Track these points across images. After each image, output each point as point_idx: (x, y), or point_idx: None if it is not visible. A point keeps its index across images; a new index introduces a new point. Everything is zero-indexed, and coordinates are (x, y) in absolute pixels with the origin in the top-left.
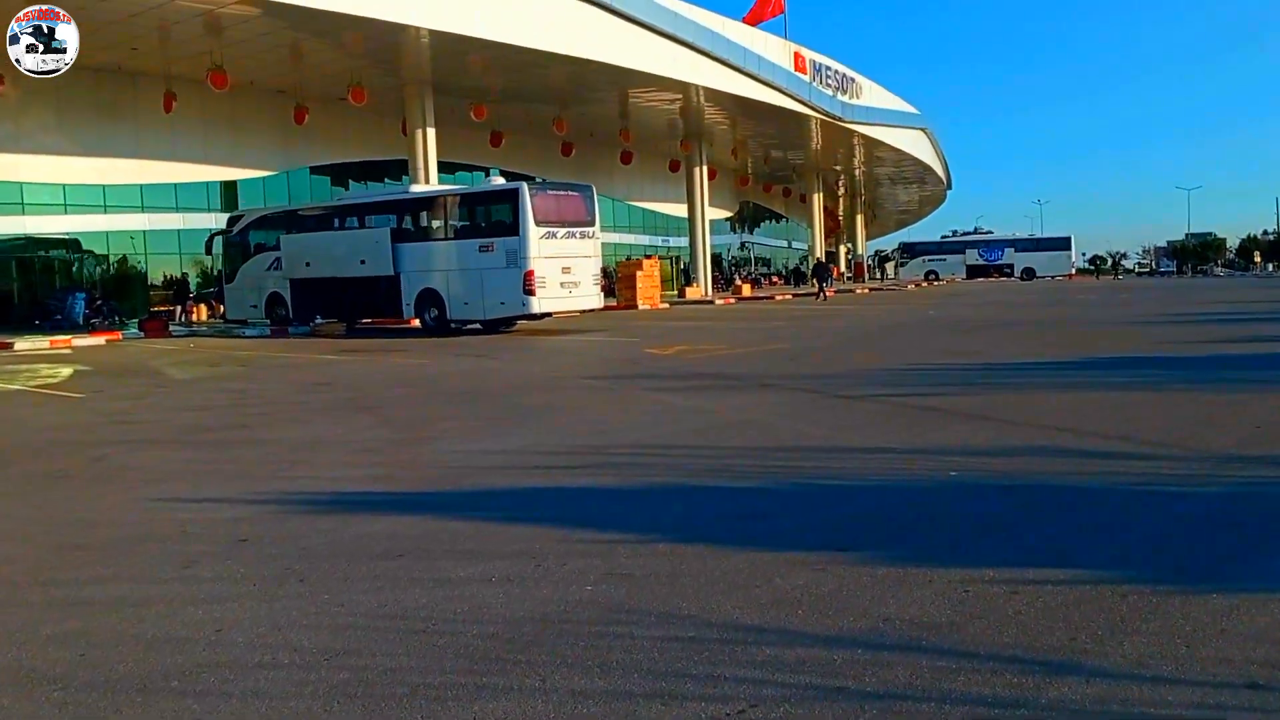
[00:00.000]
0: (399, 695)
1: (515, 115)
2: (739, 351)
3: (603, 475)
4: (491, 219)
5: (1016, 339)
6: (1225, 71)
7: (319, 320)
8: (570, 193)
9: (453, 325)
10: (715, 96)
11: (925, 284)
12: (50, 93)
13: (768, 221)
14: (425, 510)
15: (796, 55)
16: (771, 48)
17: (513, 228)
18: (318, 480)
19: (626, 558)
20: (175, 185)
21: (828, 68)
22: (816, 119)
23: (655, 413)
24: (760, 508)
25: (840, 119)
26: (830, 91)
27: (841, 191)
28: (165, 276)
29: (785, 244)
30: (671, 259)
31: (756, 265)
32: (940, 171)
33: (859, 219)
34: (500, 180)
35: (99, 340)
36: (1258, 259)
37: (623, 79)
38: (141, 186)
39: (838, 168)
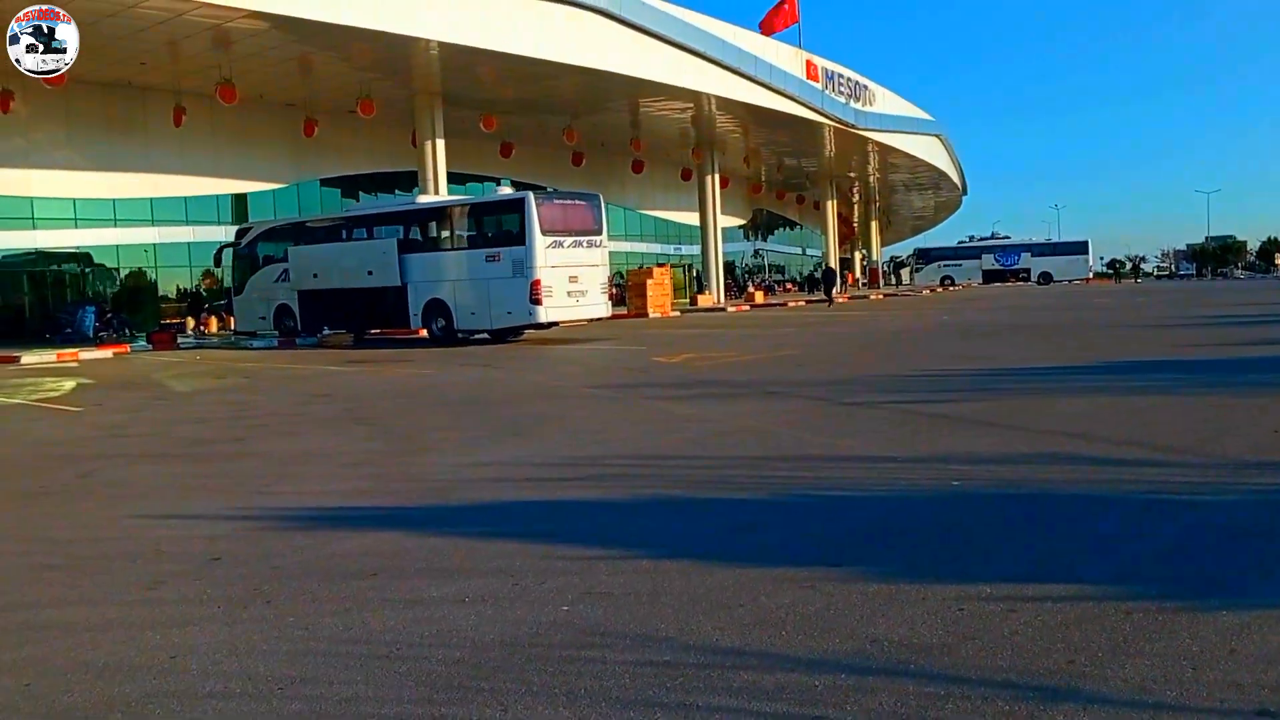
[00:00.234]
0: None
1: (526, 126)
2: (746, 359)
3: (594, 488)
4: (498, 229)
5: (1029, 344)
6: (1244, 74)
7: (327, 331)
8: (577, 202)
9: (460, 335)
10: (727, 105)
11: (940, 289)
12: (60, 108)
13: (782, 229)
14: (407, 526)
15: (808, 63)
16: (783, 56)
17: (519, 237)
18: (303, 495)
19: (607, 575)
20: (185, 199)
21: (840, 75)
22: (829, 126)
23: (655, 422)
24: (753, 520)
25: (853, 126)
26: (843, 99)
27: (856, 198)
28: (178, 289)
29: (799, 251)
30: (684, 267)
31: (770, 273)
32: (955, 177)
33: (874, 225)
34: (507, 190)
35: (106, 353)
36: (1279, 261)
37: (634, 89)
38: (151, 200)
39: (852, 174)
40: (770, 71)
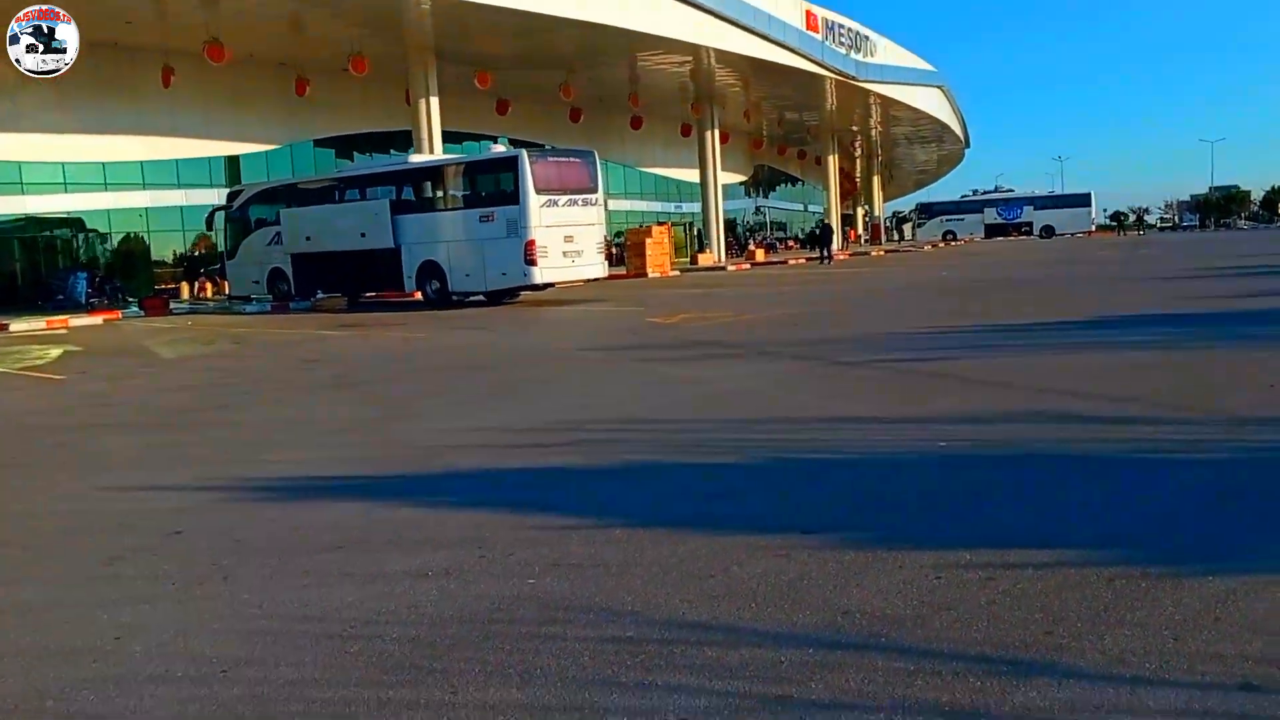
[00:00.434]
0: (290, 714)
1: (521, 82)
2: (744, 319)
3: (577, 454)
4: (491, 188)
5: (1028, 299)
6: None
7: (320, 295)
8: (572, 159)
9: (455, 297)
10: (726, 58)
11: (942, 244)
12: None
13: (783, 185)
14: (380, 496)
15: (808, 13)
16: (782, 6)
17: (513, 196)
18: (279, 465)
19: (579, 545)
20: (177, 161)
21: (840, 25)
22: (830, 79)
23: (645, 385)
24: (734, 486)
25: (855, 78)
26: (844, 50)
27: (858, 153)
28: (174, 254)
29: (801, 207)
30: (684, 225)
31: (772, 230)
32: (958, 130)
33: (876, 180)
34: (501, 148)
35: (97, 320)
36: None
37: (631, 42)
38: (143, 164)
39: (854, 128)
40: (769, 23)
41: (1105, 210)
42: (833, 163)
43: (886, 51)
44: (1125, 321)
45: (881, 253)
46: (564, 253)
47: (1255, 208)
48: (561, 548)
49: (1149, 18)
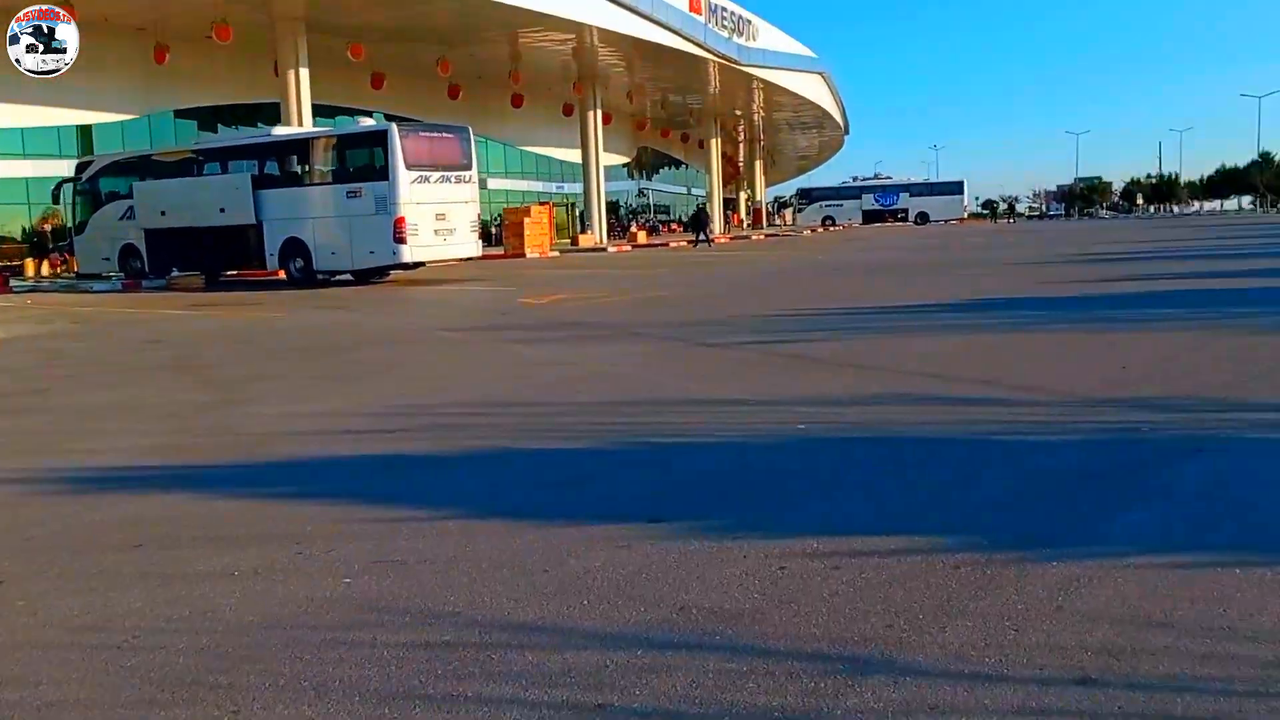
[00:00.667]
0: None
1: (398, 55)
2: (617, 300)
3: (421, 440)
4: (359, 163)
5: (899, 283)
6: (1110, 16)
7: (176, 273)
8: (445, 135)
9: (320, 277)
10: (609, 38)
11: (822, 229)
12: None
13: (667, 168)
14: (197, 486)
15: None
16: None
17: (382, 172)
18: (92, 454)
19: (407, 539)
20: (21, 130)
21: (724, 8)
22: (713, 62)
23: (506, 367)
24: (584, 472)
25: (737, 62)
26: (726, 33)
27: (741, 137)
28: (23, 229)
29: (685, 190)
30: (567, 206)
31: (655, 212)
32: (839, 117)
33: (758, 165)
34: (370, 121)
35: None
36: (1140, 201)
37: (511, 18)
38: None
39: (737, 112)
40: (653, 3)
41: (978, 198)
42: (715, 146)
43: (768, 35)
44: (990, 305)
45: (762, 237)
46: (435, 231)
47: (1115, 198)
48: (387, 542)
49: (1019, 12)
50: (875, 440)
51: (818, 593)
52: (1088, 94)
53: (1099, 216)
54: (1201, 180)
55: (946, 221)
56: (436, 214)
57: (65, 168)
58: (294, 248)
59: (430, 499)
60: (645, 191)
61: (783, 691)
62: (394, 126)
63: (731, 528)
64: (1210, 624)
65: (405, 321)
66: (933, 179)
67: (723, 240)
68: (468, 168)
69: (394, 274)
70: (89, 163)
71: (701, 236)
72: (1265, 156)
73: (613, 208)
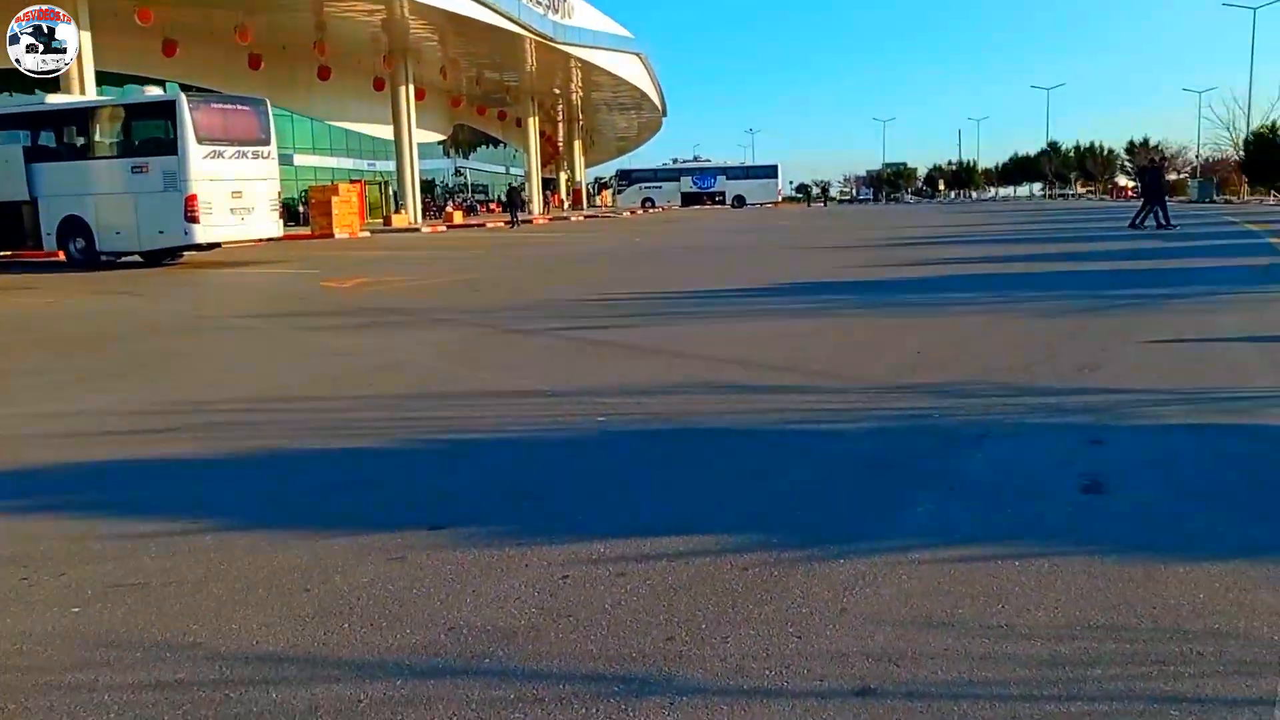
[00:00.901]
0: None
1: (192, 21)
2: (425, 283)
3: (188, 441)
4: (145, 135)
5: (711, 267)
6: (914, 10)
7: None
8: (240, 107)
9: (105, 258)
10: (420, 10)
11: (641, 211)
12: None
13: (485, 147)
14: None
15: None
16: None
17: (170, 146)
18: None
19: (153, 559)
20: None
21: None
22: (529, 39)
23: (296, 357)
24: (364, 475)
25: (553, 40)
26: (541, 10)
27: (559, 117)
28: None
29: (504, 170)
30: (380, 185)
31: (473, 192)
32: (656, 99)
33: (577, 145)
34: (157, 91)
35: None
36: (942, 186)
37: None
38: None
39: (555, 91)
40: None
41: (792, 182)
42: (533, 125)
43: (584, 14)
44: (797, 289)
45: (581, 218)
46: (231, 210)
47: (920, 183)
48: (130, 562)
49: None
50: (675, 432)
51: (599, 604)
52: (895, 84)
53: (904, 201)
54: (997, 167)
55: (762, 205)
56: (232, 191)
57: None
58: (74, 226)
59: (188, 509)
60: (463, 170)
61: None
62: (183, 96)
63: (515, 532)
64: (989, 622)
65: (193, 308)
66: (749, 163)
67: (541, 221)
68: (266, 142)
69: (188, 256)
70: None
71: (515, 216)
72: (1053, 146)
73: (428, 187)
